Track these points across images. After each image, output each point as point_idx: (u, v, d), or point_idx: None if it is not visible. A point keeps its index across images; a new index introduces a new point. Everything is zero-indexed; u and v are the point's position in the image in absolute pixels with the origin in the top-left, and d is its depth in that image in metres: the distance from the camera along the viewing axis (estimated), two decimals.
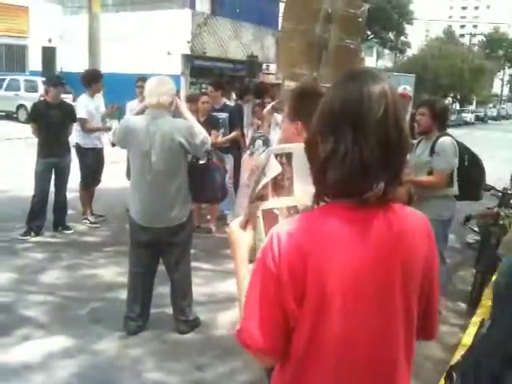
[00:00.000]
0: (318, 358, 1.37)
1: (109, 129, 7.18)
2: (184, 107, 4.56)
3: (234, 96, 9.36)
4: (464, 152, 4.93)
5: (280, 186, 1.76)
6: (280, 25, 4.43)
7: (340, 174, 1.31)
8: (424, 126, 4.79)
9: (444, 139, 4.68)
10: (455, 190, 4.80)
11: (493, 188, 5.55)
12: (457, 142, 4.84)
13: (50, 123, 6.85)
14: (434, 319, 1.54)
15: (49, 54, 28.32)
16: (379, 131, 1.30)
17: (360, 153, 1.29)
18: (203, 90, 8.21)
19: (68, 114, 7.13)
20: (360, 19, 4.67)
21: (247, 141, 8.86)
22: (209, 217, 7.85)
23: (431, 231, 1.50)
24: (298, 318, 1.35)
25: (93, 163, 7.49)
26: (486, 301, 5.23)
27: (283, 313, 1.35)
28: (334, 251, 1.32)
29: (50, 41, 28.38)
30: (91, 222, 7.56)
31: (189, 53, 26.04)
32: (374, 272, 1.35)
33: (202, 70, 26.38)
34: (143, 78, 8.11)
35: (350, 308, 1.33)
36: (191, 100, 8.02)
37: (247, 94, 9.17)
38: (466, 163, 4.91)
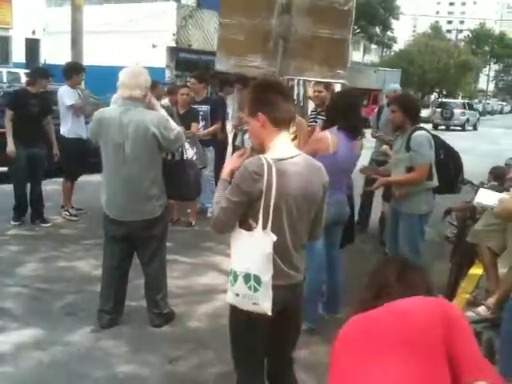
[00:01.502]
0: None
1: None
2: (158, 105, 4.49)
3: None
4: (440, 146, 4.95)
5: None
6: (219, 19, 4.37)
7: None
8: (397, 123, 4.87)
9: (417, 134, 4.70)
10: (435, 182, 4.84)
11: (470, 182, 5.57)
12: (432, 135, 4.86)
13: (29, 112, 6.84)
14: None
15: (32, 46, 28.03)
16: None
17: None
18: (188, 83, 8.16)
19: (47, 106, 7.15)
20: (345, 7, 4.61)
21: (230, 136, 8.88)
22: (189, 210, 7.83)
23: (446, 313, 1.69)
24: None
25: (76, 154, 7.42)
26: (462, 293, 5.27)
27: None
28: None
29: (33, 33, 28.09)
30: (71, 215, 7.52)
31: (174, 45, 25.92)
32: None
33: (188, 63, 26.27)
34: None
35: None
36: (172, 92, 7.98)
37: (227, 86, 9.11)
38: (441, 157, 4.94)
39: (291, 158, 2.51)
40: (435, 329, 1.61)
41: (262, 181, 2.40)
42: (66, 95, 7.34)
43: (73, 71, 7.54)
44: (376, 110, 8.21)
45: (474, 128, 34.89)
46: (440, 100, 41.31)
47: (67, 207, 7.58)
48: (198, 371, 3.83)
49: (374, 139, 7.52)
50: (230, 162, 2.67)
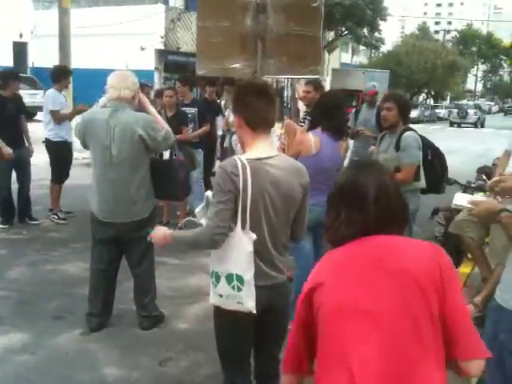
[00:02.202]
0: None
1: (80, 111, 7.18)
2: (147, 102, 4.52)
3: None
4: (427, 146, 4.98)
5: None
6: (197, 25, 4.37)
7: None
8: (392, 121, 4.80)
9: (408, 134, 4.72)
10: (423, 182, 4.86)
11: (456, 181, 5.61)
12: (420, 136, 4.89)
13: (8, 116, 6.88)
14: (460, 341, 1.65)
15: (20, 49, 27.87)
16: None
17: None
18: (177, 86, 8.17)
19: (21, 107, 7.21)
20: (315, 4, 4.64)
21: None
22: (178, 213, 7.81)
23: (441, 258, 1.67)
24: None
25: (62, 157, 7.45)
26: None
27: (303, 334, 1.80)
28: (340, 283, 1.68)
29: (21, 36, 27.95)
30: (59, 218, 7.49)
31: (162, 48, 25.85)
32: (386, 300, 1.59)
33: (176, 66, 26.19)
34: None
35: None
36: (159, 95, 7.99)
37: (212, 87, 9.09)
38: (429, 157, 4.97)
39: (267, 158, 2.53)
40: (434, 274, 1.59)
41: (239, 180, 2.43)
42: (52, 99, 7.35)
43: (61, 75, 7.57)
44: (353, 110, 8.29)
45: (482, 126, 39.85)
46: (429, 102, 42.58)
47: (55, 210, 7.55)
48: (188, 373, 3.83)
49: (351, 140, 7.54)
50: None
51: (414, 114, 32.13)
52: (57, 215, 7.53)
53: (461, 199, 2.92)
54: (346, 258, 1.71)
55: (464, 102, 49.03)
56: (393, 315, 1.55)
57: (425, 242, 1.75)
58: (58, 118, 7.32)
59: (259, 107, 2.55)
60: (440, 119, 45.86)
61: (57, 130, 7.40)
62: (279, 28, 4.34)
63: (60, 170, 7.54)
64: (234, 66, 4.34)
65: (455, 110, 40.90)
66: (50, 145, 7.44)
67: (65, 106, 7.55)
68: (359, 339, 1.54)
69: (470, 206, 2.75)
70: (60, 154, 7.43)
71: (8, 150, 6.79)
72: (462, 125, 38.71)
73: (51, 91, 7.47)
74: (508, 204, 2.37)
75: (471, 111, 40.02)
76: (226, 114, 8.38)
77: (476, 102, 50.55)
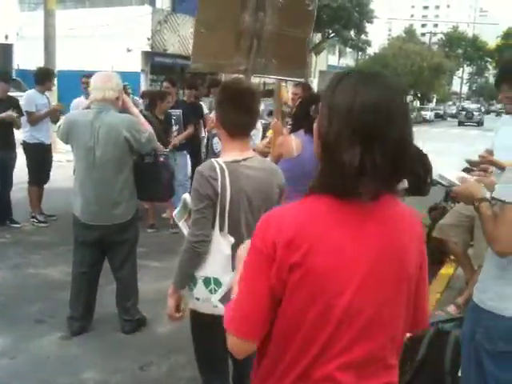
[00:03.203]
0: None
1: (54, 111, 7.30)
2: (131, 103, 4.50)
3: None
4: None
5: None
6: (196, 18, 4.33)
7: (364, 181, 1.33)
8: None
9: None
10: (405, 183, 4.86)
11: (439, 182, 5.62)
12: None
13: None
14: (424, 313, 1.59)
15: (6, 51, 27.65)
16: (399, 144, 1.34)
17: (382, 165, 1.32)
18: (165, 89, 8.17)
19: (16, 108, 7.09)
20: (310, 7, 4.62)
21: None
22: (164, 215, 7.79)
23: (422, 229, 1.56)
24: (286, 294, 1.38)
25: (39, 159, 7.40)
26: (432, 293, 5.32)
27: (267, 297, 1.38)
28: (327, 237, 1.36)
29: (6, 37, 27.71)
30: (39, 221, 7.44)
31: (149, 50, 25.80)
32: (371, 263, 1.38)
33: (163, 67, 26.17)
34: (88, 75, 8.06)
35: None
36: (144, 96, 7.97)
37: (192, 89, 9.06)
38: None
39: (244, 160, 2.52)
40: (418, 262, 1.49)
41: (217, 184, 2.41)
42: (27, 100, 7.32)
43: (44, 77, 7.55)
44: None
45: (482, 124, 46.38)
46: (415, 104, 43.05)
47: (35, 213, 7.50)
48: (169, 376, 3.81)
49: None
50: None
51: None
52: (36, 218, 7.47)
53: (449, 174, 2.91)
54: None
55: (471, 105, 59.69)
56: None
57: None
58: (32, 119, 7.26)
59: (236, 115, 2.52)
60: (426, 121, 46.13)
61: (33, 131, 7.35)
62: (273, 28, 4.31)
63: (37, 172, 7.46)
64: (228, 62, 4.30)
65: (463, 112, 50.96)
66: (26, 147, 7.41)
67: (46, 107, 7.47)
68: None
69: (456, 181, 2.76)
70: (37, 156, 7.37)
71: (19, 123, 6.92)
72: (469, 124, 46.73)
73: (31, 92, 7.48)
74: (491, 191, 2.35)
75: (476, 113, 50.05)
76: (211, 115, 8.36)
77: (478, 105, 60.44)
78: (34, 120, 7.27)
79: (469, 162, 3.82)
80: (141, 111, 5.28)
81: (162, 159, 4.62)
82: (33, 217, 7.48)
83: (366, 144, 1.31)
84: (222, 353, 2.70)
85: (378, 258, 1.38)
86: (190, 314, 2.67)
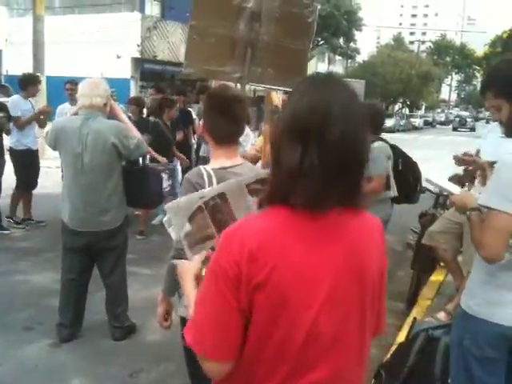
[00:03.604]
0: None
1: (39, 115, 7.31)
2: (119, 109, 4.50)
3: None
4: (398, 156, 5.00)
5: (222, 223, 1.83)
6: (190, 23, 4.34)
7: (304, 183, 1.31)
8: None
9: (375, 145, 4.70)
10: (394, 192, 4.88)
11: (428, 189, 5.66)
12: (391, 146, 4.91)
13: None
14: (383, 317, 1.59)
15: None
16: (341, 145, 1.32)
17: (322, 166, 1.31)
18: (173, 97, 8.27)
19: (5, 113, 7.10)
20: (309, 19, 4.63)
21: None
22: (153, 222, 7.78)
23: (383, 235, 1.55)
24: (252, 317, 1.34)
25: (26, 165, 7.39)
26: (423, 300, 5.34)
27: (236, 317, 1.34)
28: (289, 253, 1.33)
29: None
30: (16, 223, 7.47)
31: (139, 56, 25.80)
32: (334, 277, 1.36)
33: (153, 74, 26.19)
34: (72, 81, 8.11)
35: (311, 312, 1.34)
36: (131, 102, 7.98)
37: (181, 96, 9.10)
38: (400, 167, 4.99)
39: (232, 167, 2.51)
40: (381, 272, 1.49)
41: None
42: (13, 105, 7.32)
43: (29, 82, 7.58)
44: None
45: (474, 130, 49.32)
46: (404, 111, 43.72)
47: (11, 215, 7.52)
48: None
49: None
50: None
51: (389, 123, 35.14)
52: (11, 219, 7.50)
53: (436, 178, 2.98)
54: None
55: (464, 113, 67.89)
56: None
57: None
58: (19, 124, 7.26)
59: (222, 124, 2.50)
60: (415, 128, 46.42)
61: (19, 137, 7.36)
62: (270, 38, 4.32)
63: (25, 178, 7.45)
64: (221, 69, 4.30)
65: (457, 119, 56.35)
66: (13, 153, 7.42)
67: (30, 112, 7.48)
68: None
69: (444, 186, 2.82)
70: (24, 162, 7.36)
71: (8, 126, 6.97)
72: (462, 130, 50.71)
73: (15, 97, 7.54)
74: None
75: (469, 119, 55.94)
76: (200, 122, 8.37)
77: (468, 113, 69.24)
78: (21, 125, 7.27)
79: (456, 158, 3.84)
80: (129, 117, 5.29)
81: (150, 165, 4.63)
82: (8, 217, 7.50)
83: (304, 145, 1.31)
84: None
85: (339, 273, 1.37)
86: (180, 321, 2.66)
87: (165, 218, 2.77)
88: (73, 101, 7.45)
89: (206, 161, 7.89)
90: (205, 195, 1.91)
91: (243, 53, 4.27)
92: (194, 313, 1.43)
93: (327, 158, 1.31)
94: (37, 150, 7.67)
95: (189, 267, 1.66)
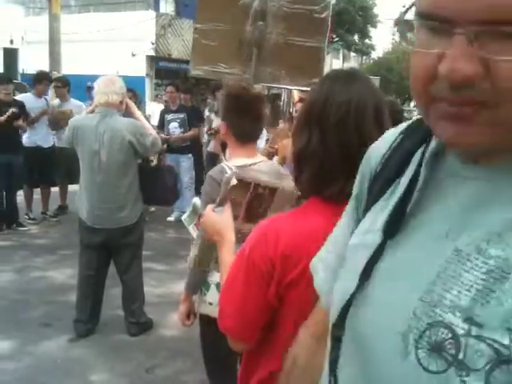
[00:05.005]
0: None
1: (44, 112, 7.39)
2: (134, 107, 4.52)
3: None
4: None
5: (254, 212, 1.83)
6: (194, 24, 4.34)
7: (310, 170, 1.36)
8: None
9: None
10: None
11: None
12: None
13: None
14: None
15: (11, 56, 27.74)
16: (339, 133, 1.34)
17: (323, 152, 1.35)
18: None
19: (22, 111, 7.13)
20: (322, 15, 4.58)
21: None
22: (168, 219, 7.82)
23: None
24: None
25: (34, 162, 7.42)
26: None
27: (265, 307, 1.36)
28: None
29: (11, 42, 27.84)
30: (30, 218, 7.59)
31: (153, 54, 25.85)
32: None
33: (167, 72, 26.22)
34: (58, 78, 8.17)
35: None
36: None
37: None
38: None
39: (253, 164, 2.51)
40: None
41: None
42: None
43: (38, 80, 7.64)
44: None
45: None
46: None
47: (27, 211, 7.62)
48: (176, 379, 3.81)
49: None
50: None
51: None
52: (27, 215, 7.62)
53: None
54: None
55: None
56: None
57: None
58: (28, 122, 7.29)
59: (245, 123, 2.54)
60: None
61: (30, 134, 7.46)
62: (279, 37, 4.29)
63: (32, 174, 7.50)
64: (228, 70, 4.30)
65: None
66: (22, 149, 7.43)
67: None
68: None
69: None
70: (32, 160, 7.38)
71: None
72: None
73: (25, 95, 7.65)
74: None
75: None
76: (212, 117, 8.41)
77: None
78: (29, 122, 7.32)
79: None
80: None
81: (166, 163, 4.65)
82: (26, 214, 7.60)
83: (312, 131, 1.36)
84: (231, 358, 2.70)
85: None
86: (202, 319, 2.66)
87: (183, 216, 2.78)
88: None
89: (213, 156, 7.98)
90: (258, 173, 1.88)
91: (249, 53, 4.26)
92: (220, 298, 1.51)
93: (324, 145, 1.36)
94: (50, 148, 7.70)
95: (229, 221, 1.66)
